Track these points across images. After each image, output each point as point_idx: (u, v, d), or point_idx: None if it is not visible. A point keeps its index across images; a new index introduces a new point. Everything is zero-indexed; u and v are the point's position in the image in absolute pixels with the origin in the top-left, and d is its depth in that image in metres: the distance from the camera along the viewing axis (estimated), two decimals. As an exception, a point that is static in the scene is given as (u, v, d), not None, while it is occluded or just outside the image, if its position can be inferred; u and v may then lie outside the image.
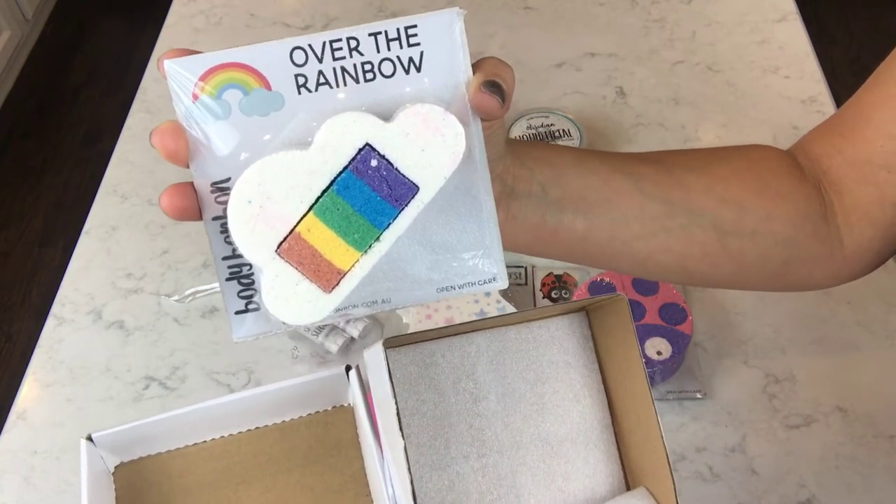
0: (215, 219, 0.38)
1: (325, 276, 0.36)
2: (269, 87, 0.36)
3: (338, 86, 0.37)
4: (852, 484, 0.70)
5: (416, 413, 0.45)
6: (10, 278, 1.94)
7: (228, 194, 0.36)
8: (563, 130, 0.92)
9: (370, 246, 0.37)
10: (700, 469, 0.71)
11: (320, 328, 0.79)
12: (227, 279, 0.38)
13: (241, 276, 0.38)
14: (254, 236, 0.36)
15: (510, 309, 0.78)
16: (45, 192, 2.10)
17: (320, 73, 0.36)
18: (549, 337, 0.48)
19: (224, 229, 0.38)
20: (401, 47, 0.37)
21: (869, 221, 0.53)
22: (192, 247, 0.90)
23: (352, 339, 0.80)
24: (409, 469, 0.38)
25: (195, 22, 1.16)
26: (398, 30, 0.37)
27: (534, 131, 0.92)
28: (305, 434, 0.49)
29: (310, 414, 0.49)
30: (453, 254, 0.39)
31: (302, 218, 0.36)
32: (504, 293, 0.80)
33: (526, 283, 0.82)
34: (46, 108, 2.30)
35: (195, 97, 0.36)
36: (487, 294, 0.81)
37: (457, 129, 0.37)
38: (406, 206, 0.36)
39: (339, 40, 0.36)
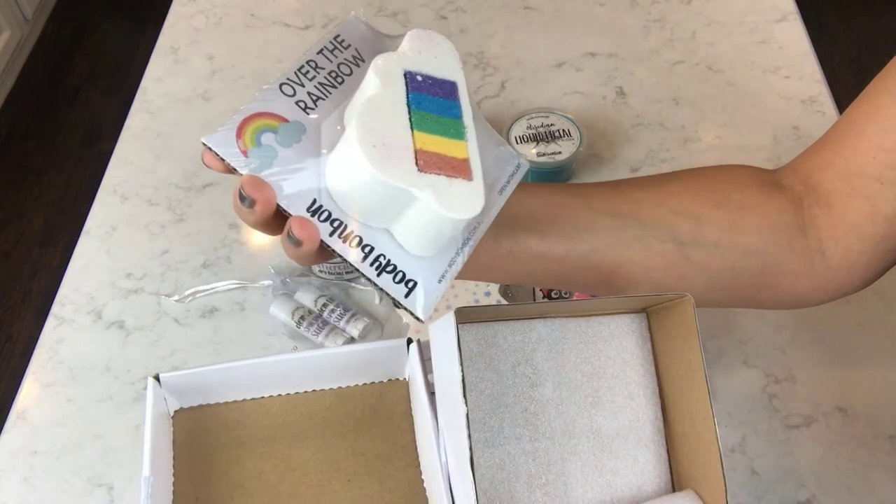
0: (331, 234, 0.42)
1: (460, 168, 0.43)
2: (287, 120, 0.43)
3: (327, 96, 0.45)
4: (852, 484, 0.70)
5: (473, 389, 0.46)
6: (10, 278, 1.95)
7: (325, 212, 0.42)
8: (563, 130, 0.92)
9: (465, 134, 0.44)
10: (700, 469, 0.71)
11: (320, 328, 0.79)
12: (378, 275, 0.42)
13: (386, 267, 0.42)
14: (396, 168, 0.41)
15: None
16: (45, 192, 2.11)
17: (309, 93, 0.44)
18: (608, 333, 0.49)
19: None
20: (342, 52, 0.46)
21: (857, 235, 0.52)
22: (192, 247, 0.90)
23: (352, 338, 0.80)
24: (469, 436, 0.39)
25: (195, 22, 1.16)
26: (331, 42, 0.46)
27: (534, 131, 0.92)
28: (360, 402, 0.50)
29: (366, 383, 0.50)
30: (492, 153, 0.47)
31: (413, 138, 0.42)
32: (504, 293, 0.81)
33: (509, 293, 0.82)
34: (46, 108, 2.30)
35: (244, 152, 0.41)
36: (487, 294, 0.81)
37: (440, 36, 0.46)
38: (459, 96, 0.45)
39: (304, 66, 0.45)
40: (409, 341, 0.48)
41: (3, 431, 0.78)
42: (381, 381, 0.50)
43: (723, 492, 0.42)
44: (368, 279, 0.42)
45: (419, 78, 0.44)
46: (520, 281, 0.52)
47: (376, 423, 0.49)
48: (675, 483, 0.47)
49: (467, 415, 0.39)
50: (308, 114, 0.43)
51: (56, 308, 0.86)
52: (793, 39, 1.08)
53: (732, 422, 0.74)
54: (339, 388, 0.50)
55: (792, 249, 0.53)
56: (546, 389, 0.47)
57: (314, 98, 0.44)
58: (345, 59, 0.46)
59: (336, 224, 0.42)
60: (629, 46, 1.08)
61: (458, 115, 0.44)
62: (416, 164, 0.41)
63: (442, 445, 0.43)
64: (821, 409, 0.75)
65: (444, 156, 0.42)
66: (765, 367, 0.78)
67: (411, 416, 0.50)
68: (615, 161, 0.96)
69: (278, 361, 0.48)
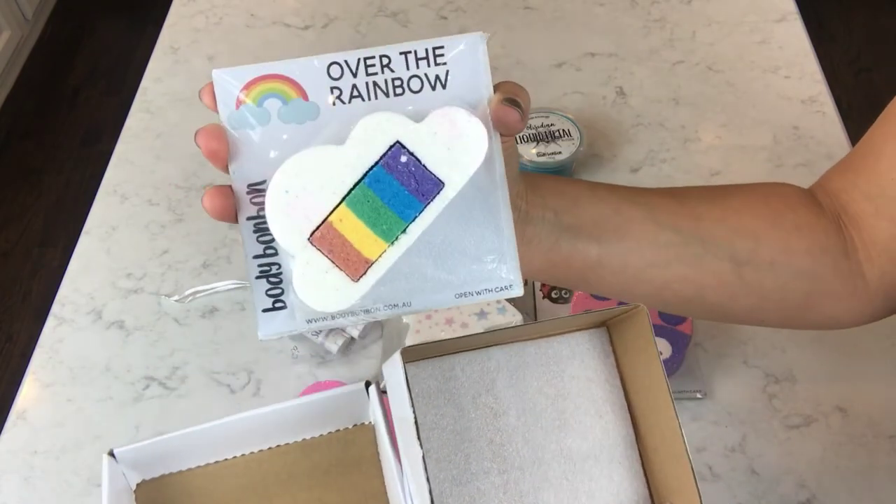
0: (249, 218, 0.40)
1: (354, 264, 0.38)
2: (306, 98, 0.39)
3: (369, 99, 0.39)
4: (852, 484, 0.70)
5: (435, 427, 0.44)
6: (10, 278, 1.95)
7: (263, 195, 0.39)
8: (563, 130, 0.92)
9: (397, 238, 0.39)
10: (700, 469, 0.71)
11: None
12: (257, 277, 0.40)
13: (271, 275, 0.40)
14: (289, 224, 0.38)
15: (511, 310, 0.78)
16: (45, 192, 2.10)
17: (354, 86, 0.39)
18: (569, 352, 0.47)
19: (257, 229, 0.40)
20: (428, 66, 0.39)
21: (889, 257, 0.52)
22: (192, 247, 0.90)
23: (352, 339, 0.80)
24: (427, 479, 0.38)
25: (195, 22, 1.16)
26: (427, 50, 0.39)
27: (534, 131, 0.92)
28: (326, 452, 0.49)
29: (330, 432, 0.49)
30: (471, 258, 0.41)
31: (335, 208, 0.38)
32: (504, 293, 0.80)
33: (526, 283, 0.83)
34: (46, 108, 2.30)
35: (239, 103, 0.39)
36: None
37: (480, 130, 0.39)
38: (431, 200, 0.39)
39: (373, 57, 0.39)
40: (368, 384, 0.47)
41: (3, 431, 0.78)
42: (347, 428, 0.49)
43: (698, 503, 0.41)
44: (248, 275, 0.40)
45: (403, 159, 0.38)
46: (568, 285, 0.52)
47: (344, 472, 0.48)
48: (654, 498, 0.46)
49: (423, 457, 0.38)
50: (334, 104, 0.39)
51: (56, 308, 0.86)
52: (793, 39, 1.08)
53: (732, 422, 0.74)
54: (304, 439, 0.49)
55: (837, 272, 0.53)
56: (510, 418, 0.45)
57: (355, 94, 0.39)
58: (424, 75, 0.39)
59: (264, 214, 0.40)
60: (629, 46, 1.08)
61: (407, 218, 0.38)
62: (313, 232, 0.38)
63: (407, 489, 0.42)
64: (821, 409, 0.75)
65: (347, 242, 0.38)
66: (765, 367, 0.78)
67: (379, 460, 0.48)
68: (615, 161, 0.96)
69: (238, 420, 0.47)
